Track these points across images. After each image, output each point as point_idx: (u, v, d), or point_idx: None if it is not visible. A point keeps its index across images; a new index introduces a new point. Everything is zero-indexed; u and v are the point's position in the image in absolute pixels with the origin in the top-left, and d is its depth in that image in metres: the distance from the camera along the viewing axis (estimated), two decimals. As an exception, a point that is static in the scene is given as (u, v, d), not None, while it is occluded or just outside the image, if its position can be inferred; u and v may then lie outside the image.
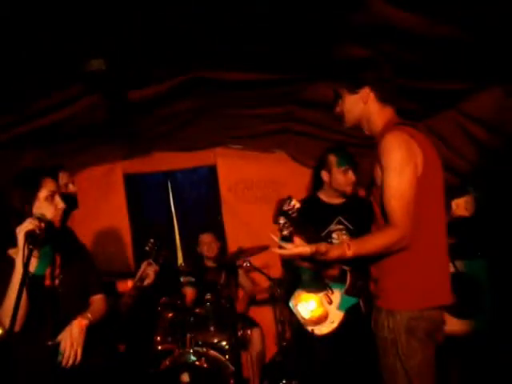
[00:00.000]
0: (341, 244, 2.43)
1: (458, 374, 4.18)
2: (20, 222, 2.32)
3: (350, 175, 3.57)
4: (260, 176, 5.63)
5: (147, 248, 3.47)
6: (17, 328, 2.29)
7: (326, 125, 4.26)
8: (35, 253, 2.37)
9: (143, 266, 3.33)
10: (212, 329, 4.28)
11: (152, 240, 3.52)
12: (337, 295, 3.31)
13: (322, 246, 2.35)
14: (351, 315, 3.26)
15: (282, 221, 2.57)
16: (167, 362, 4.18)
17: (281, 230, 2.55)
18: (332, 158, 3.61)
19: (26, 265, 2.16)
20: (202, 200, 6.01)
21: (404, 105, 2.78)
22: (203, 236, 5.05)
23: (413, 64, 2.80)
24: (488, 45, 2.54)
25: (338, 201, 3.70)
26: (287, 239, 2.45)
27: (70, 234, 2.76)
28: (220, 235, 5.39)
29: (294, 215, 2.58)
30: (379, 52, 2.71)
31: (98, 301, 2.73)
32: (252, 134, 5.22)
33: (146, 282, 3.31)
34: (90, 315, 2.55)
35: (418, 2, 2.29)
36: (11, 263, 2.39)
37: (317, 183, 3.78)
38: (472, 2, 2.25)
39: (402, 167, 2.29)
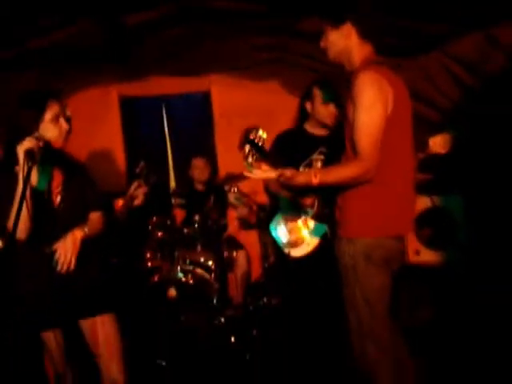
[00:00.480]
0: (308, 171, 2.58)
1: (426, 302, 4.44)
2: None
3: (331, 108, 3.69)
4: (253, 105, 5.68)
5: (137, 170, 3.58)
6: (22, 237, 2.49)
7: (318, 57, 4.35)
8: (35, 169, 2.54)
9: (133, 186, 3.44)
10: (199, 248, 4.52)
11: (142, 162, 3.63)
12: (312, 222, 3.50)
13: (288, 172, 2.53)
14: (325, 241, 3.46)
15: (247, 149, 2.70)
16: (155, 278, 4.45)
17: (246, 158, 2.69)
18: (316, 91, 3.73)
19: (26, 180, 2.34)
20: (196, 125, 6.13)
21: (387, 41, 2.89)
22: (195, 160, 5.20)
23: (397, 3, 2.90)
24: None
25: (322, 132, 3.81)
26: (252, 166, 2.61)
27: (68, 154, 2.90)
28: (212, 160, 5.54)
29: (260, 144, 2.72)
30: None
31: (96, 216, 2.89)
32: (246, 64, 5.29)
33: (136, 202, 3.44)
34: (86, 229, 2.73)
35: None
36: (11, 175, 2.57)
37: (302, 114, 3.90)
38: None
39: (372, 105, 2.41)
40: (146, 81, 5.69)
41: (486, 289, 3.92)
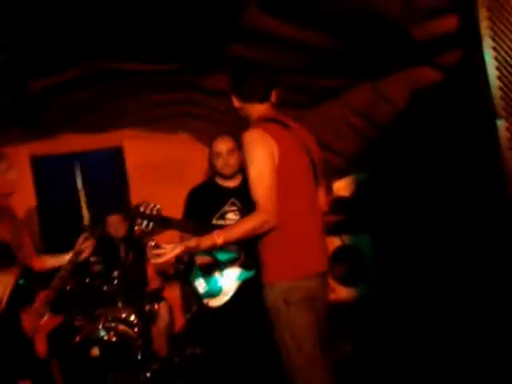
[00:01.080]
0: (211, 235, 2.70)
1: (345, 337, 4.62)
2: None
3: (230, 159, 3.76)
4: (166, 157, 5.82)
5: (85, 223, 3.52)
6: None
7: (223, 109, 4.55)
8: None
9: (80, 239, 3.41)
10: (120, 304, 4.50)
11: (89, 214, 3.57)
12: (235, 268, 3.62)
13: (192, 242, 2.61)
14: (248, 285, 3.56)
15: (137, 227, 2.82)
16: (77, 338, 4.38)
17: (142, 234, 2.79)
18: (212, 146, 3.88)
19: None
20: (110, 181, 6.16)
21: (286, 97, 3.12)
22: (110, 218, 5.19)
23: (292, 64, 3.14)
24: (356, 50, 2.91)
25: (232, 183, 3.87)
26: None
27: None
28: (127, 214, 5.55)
29: (151, 214, 2.82)
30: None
31: None
32: (154, 118, 5.43)
33: (83, 256, 3.40)
34: None
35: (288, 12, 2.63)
36: None
37: (212, 167, 4.03)
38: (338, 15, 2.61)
39: (258, 161, 2.59)
40: (56, 139, 5.72)
41: (392, 330, 4.15)
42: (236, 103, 2.85)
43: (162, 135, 5.83)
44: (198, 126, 5.53)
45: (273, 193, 2.57)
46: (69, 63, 3.64)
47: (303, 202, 2.75)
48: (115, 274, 4.56)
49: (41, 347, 3.17)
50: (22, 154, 5.72)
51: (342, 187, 3.18)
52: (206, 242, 2.61)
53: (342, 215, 4.62)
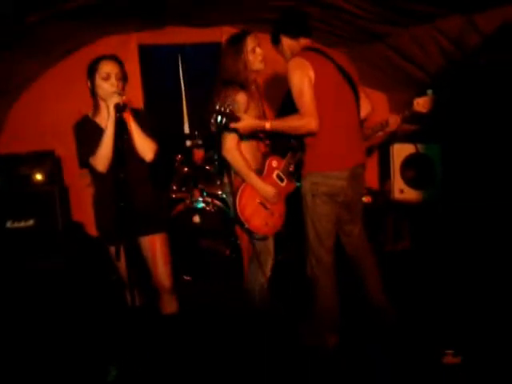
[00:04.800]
0: (264, 121, 3.38)
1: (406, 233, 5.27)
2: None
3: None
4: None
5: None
6: (104, 170, 3.16)
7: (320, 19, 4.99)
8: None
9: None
10: (218, 183, 5.19)
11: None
12: None
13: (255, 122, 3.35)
14: None
15: (212, 121, 3.35)
16: (181, 207, 5.16)
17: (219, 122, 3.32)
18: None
19: (117, 125, 3.02)
20: (208, 73, 6.65)
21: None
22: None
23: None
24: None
25: None
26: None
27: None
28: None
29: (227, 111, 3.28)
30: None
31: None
32: (256, 19, 5.84)
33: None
34: None
35: None
36: (93, 123, 3.27)
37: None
38: None
39: (300, 80, 3.26)
40: (162, 30, 6.12)
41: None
42: (285, 42, 3.49)
43: (261, 36, 6.19)
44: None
45: (313, 103, 3.24)
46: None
47: (338, 109, 3.39)
48: (215, 156, 5.21)
49: None
50: (132, 43, 6.17)
51: (421, 103, 3.57)
52: (260, 124, 3.32)
53: (418, 125, 5.15)
